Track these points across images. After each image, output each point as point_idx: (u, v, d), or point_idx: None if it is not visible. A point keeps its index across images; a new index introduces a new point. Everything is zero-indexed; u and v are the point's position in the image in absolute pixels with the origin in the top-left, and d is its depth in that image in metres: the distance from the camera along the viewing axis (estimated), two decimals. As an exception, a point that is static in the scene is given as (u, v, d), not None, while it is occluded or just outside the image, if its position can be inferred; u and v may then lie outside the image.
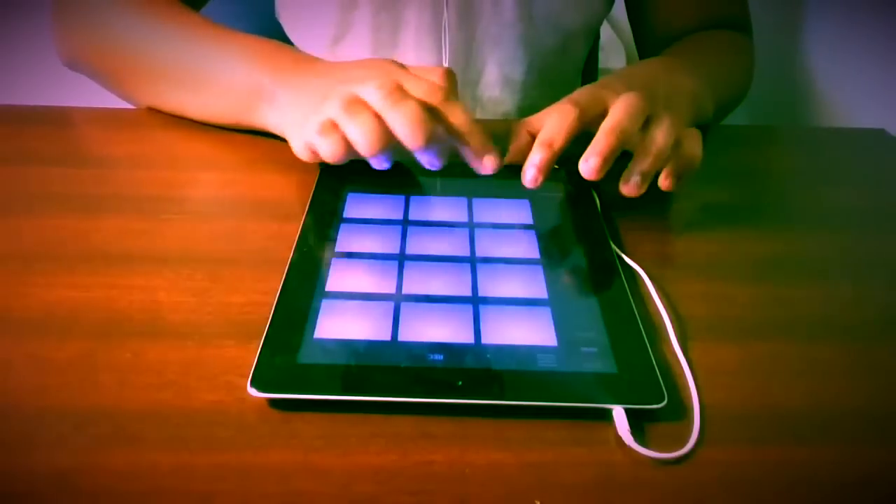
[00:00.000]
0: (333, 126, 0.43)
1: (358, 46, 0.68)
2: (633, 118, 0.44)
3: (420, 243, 0.43)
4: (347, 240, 0.43)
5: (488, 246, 0.43)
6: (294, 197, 0.49)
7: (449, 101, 0.44)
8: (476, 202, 0.48)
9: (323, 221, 0.45)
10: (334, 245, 0.43)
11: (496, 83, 0.70)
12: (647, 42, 0.76)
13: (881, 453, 0.32)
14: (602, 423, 0.32)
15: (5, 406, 0.32)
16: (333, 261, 0.41)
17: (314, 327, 0.36)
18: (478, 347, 0.35)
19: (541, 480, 0.30)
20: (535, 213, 0.47)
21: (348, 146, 0.43)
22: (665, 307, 0.39)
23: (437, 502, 0.29)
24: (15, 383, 0.33)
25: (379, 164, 0.46)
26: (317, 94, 0.47)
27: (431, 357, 0.34)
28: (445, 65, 0.68)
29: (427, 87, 0.44)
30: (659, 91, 0.49)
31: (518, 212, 0.47)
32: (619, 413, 0.32)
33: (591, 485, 0.30)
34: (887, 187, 0.56)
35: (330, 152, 0.44)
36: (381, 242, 0.43)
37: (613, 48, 1.33)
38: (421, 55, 0.68)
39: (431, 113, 0.43)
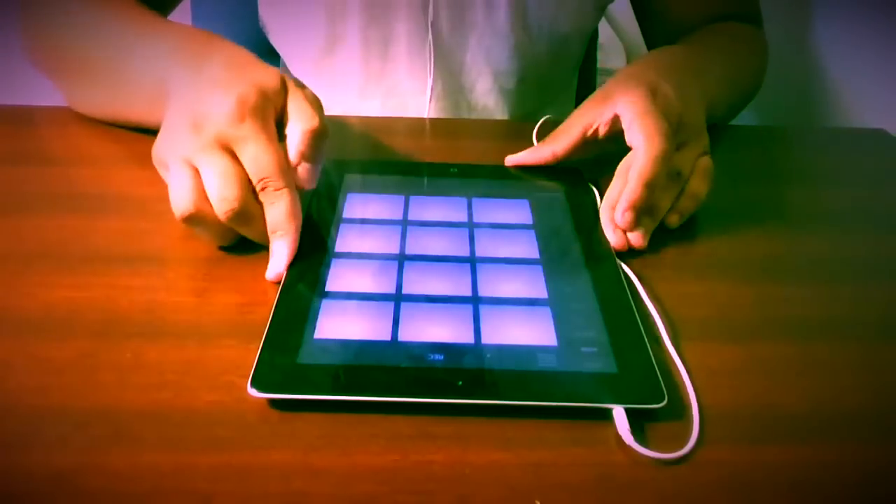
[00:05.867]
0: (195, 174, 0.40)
1: (348, 60, 0.67)
2: (663, 170, 0.44)
3: (420, 243, 0.43)
4: (347, 240, 0.43)
5: (488, 246, 0.43)
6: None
7: (277, 188, 0.40)
8: (476, 202, 0.48)
9: (323, 221, 0.45)
10: (334, 245, 0.43)
11: (490, 92, 0.69)
12: (655, 36, 0.73)
13: (881, 453, 0.32)
14: (602, 423, 0.32)
15: (5, 406, 0.32)
16: (333, 261, 0.41)
17: (314, 327, 0.36)
18: (478, 347, 0.35)
19: (541, 480, 0.30)
20: (535, 213, 0.47)
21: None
22: (665, 307, 0.39)
23: (437, 502, 0.29)
24: (15, 383, 0.33)
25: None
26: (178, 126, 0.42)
27: (431, 357, 0.34)
28: (431, 80, 0.67)
29: (264, 161, 0.40)
30: (676, 109, 0.47)
31: (518, 212, 0.47)
32: (619, 413, 0.32)
33: (591, 485, 0.30)
34: (887, 187, 0.56)
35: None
36: (381, 242, 0.43)
37: (613, 48, 1.33)
38: (413, 69, 0.67)
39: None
